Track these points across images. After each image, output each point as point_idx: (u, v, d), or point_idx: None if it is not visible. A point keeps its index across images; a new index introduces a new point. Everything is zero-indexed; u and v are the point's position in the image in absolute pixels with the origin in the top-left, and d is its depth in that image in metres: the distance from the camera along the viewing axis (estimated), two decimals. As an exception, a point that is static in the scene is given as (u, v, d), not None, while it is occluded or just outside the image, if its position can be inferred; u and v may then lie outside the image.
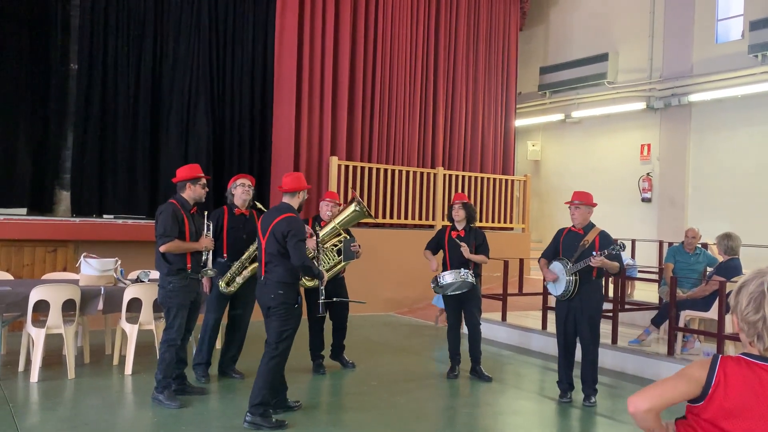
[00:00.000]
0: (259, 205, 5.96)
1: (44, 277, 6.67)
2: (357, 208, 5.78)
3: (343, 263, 6.01)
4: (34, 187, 8.83)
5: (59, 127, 9.02)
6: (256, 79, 10.28)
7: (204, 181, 5.24)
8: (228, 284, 5.62)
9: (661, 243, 10.59)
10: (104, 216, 9.12)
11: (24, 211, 8.60)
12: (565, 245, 5.50)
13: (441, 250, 6.17)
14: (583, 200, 5.48)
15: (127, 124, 9.37)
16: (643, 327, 7.95)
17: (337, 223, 5.78)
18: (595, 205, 5.54)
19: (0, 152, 8.53)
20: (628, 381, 6.37)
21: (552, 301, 8.36)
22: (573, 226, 5.53)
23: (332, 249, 5.87)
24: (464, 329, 6.26)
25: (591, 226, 5.48)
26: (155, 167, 9.65)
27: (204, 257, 5.24)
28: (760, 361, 1.59)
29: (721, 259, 6.78)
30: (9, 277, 6.59)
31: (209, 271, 5.28)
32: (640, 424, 1.71)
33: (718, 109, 10.96)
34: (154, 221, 5.14)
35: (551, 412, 5.39)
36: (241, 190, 5.76)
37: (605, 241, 5.34)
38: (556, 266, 5.49)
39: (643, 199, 12.06)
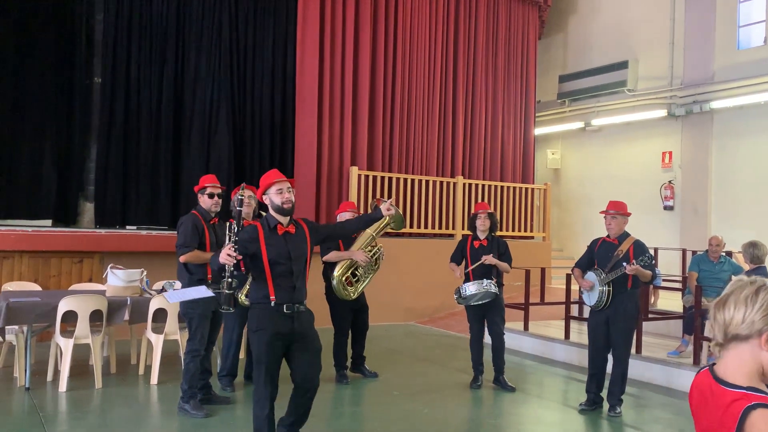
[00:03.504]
0: (264, 214, 6.00)
1: (71, 288, 6.78)
2: (391, 212, 5.80)
3: (374, 273, 6.08)
4: (58, 199, 9.01)
5: (83, 139, 9.20)
6: (276, 90, 10.42)
7: (210, 191, 5.22)
8: (247, 296, 5.66)
9: (684, 251, 10.49)
10: (127, 227, 9.26)
11: (49, 222, 8.77)
12: (600, 255, 5.45)
13: (464, 260, 6.16)
14: (619, 210, 5.42)
15: (150, 136, 9.54)
16: (667, 335, 7.89)
17: (375, 232, 5.81)
18: (629, 214, 5.47)
19: (26, 165, 8.72)
20: (653, 391, 6.31)
21: (575, 311, 8.34)
22: (607, 236, 5.48)
23: (371, 258, 5.94)
24: (487, 339, 6.24)
25: (626, 235, 5.42)
26: (177, 178, 9.80)
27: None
28: (712, 373, 1.58)
29: (746, 267, 6.71)
30: (37, 287, 6.71)
31: (246, 299, 5.36)
32: None
33: (741, 116, 10.85)
34: (175, 232, 5.20)
35: (575, 422, 5.35)
36: (246, 202, 5.73)
37: (639, 250, 5.28)
38: (591, 276, 5.45)
39: (666, 207, 11.95)
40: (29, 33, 8.74)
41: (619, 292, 5.29)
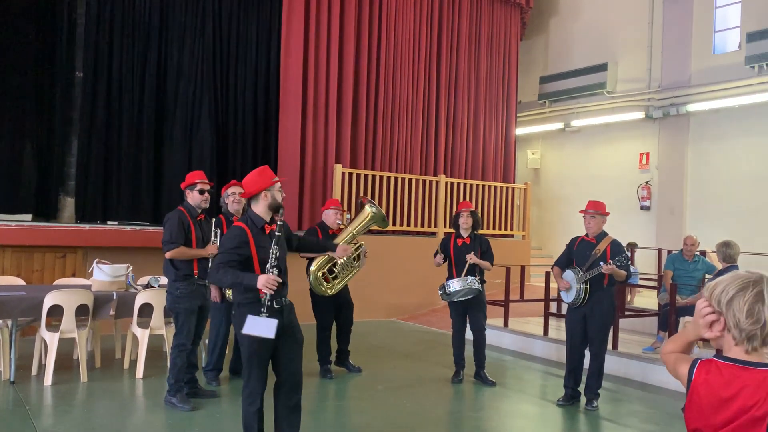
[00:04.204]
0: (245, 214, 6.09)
1: (56, 282, 6.77)
2: (374, 211, 5.92)
3: (357, 269, 6.16)
4: (38, 194, 8.94)
5: (64, 134, 9.13)
6: (259, 87, 10.45)
7: (200, 187, 5.26)
8: (234, 291, 5.72)
9: (660, 250, 10.74)
10: (108, 222, 9.23)
11: (29, 217, 8.71)
12: (578, 254, 5.60)
13: (447, 258, 6.28)
14: (598, 210, 5.57)
15: (132, 132, 9.51)
16: (643, 333, 8.10)
17: (355, 230, 5.91)
18: (608, 214, 5.63)
19: (6, 159, 8.64)
20: (630, 386, 6.49)
21: (554, 308, 8.51)
22: (586, 234, 5.63)
23: (350, 257, 6.00)
24: (468, 335, 6.37)
25: (603, 234, 5.57)
26: (159, 174, 9.79)
27: (211, 264, 5.34)
28: (729, 361, 1.69)
29: (720, 266, 6.92)
30: (22, 282, 6.70)
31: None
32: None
33: (716, 119, 11.13)
34: (158, 227, 5.24)
35: (554, 415, 5.51)
36: (231, 200, 5.77)
37: (617, 249, 5.43)
38: (569, 275, 5.60)
39: (642, 207, 12.22)
40: (10, 27, 8.66)
41: (596, 290, 5.45)
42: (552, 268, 5.92)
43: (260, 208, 3.87)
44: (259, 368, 3.83)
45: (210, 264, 5.26)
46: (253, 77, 10.41)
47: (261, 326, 3.64)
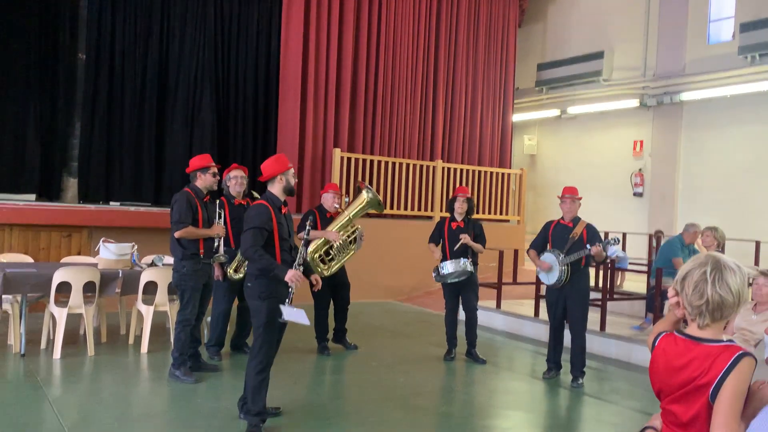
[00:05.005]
0: (255, 195, 6.36)
1: (64, 260, 6.99)
2: (370, 196, 6.15)
3: (353, 252, 6.39)
4: (42, 175, 9.10)
5: (67, 115, 9.27)
6: (260, 69, 10.60)
7: (214, 170, 5.56)
8: (236, 270, 5.95)
9: (650, 236, 10.98)
10: (111, 203, 9.43)
11: (33, 197, 8.91)
12: (555, 237, 5.90)
13: (441, 240, 6.51)
14: (574, 195, 5.91)
15: (134, 113, 9.68)
16: (631, 316, 8.37)
17: (351, 214, 6.13)
18: (581, 198, 5.99)
19: (10, 140, 8.81)
20: (615, 365, 6.75)
21: (544, 290, 8.75)
22: (561, 218, 5.91)
23: (345, 240, 6.23)
24: (461, 315, 6.62)
25: (578, 219, 5.91)
26: (161, 155, 9.97)
27: (216, 243, 5.59)
28: (685, 336, 1.92)
29: (705, 251, 7.14)
30: (30, 259, 6.92)
31: (221, 257, 5.61)
32: None
33: (709, 108, 11.32)
34: (160, 208, 5.46)
35: (541, 391, 5.77)
36: (234, 182, 6.07)
37: (592, 232, 5.78)
38: (548, 257, 5.86)
39: (635, 194, 12.44)
40: (13, 9, 8.78)
41: (576, 271, 5.77)
42: (528, 252, 6.19)
43: (276, 189, 4.32)
44: (275, 335, 4.20)
45: (216, 243, 5.52)
46: (254, 61, 10.56)
47: (295, 314, 4.10)
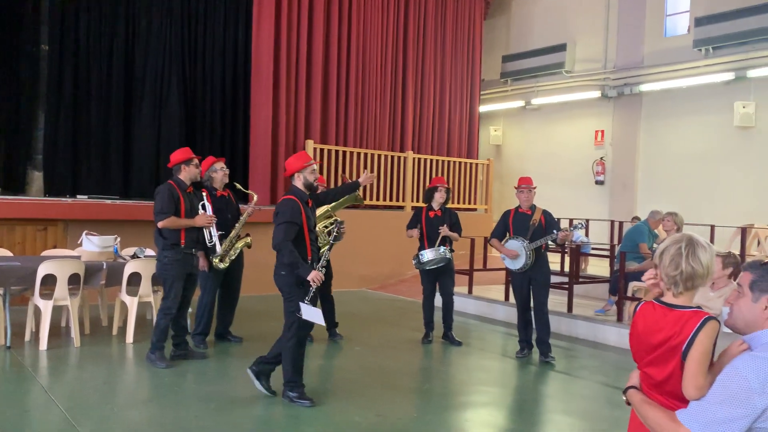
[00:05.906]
0: (238, 186, 6.53)
1: (45, 253, 7.02)
2: (358, 195, 6.35)
3: (331, 244, 6.57)
4: (6, 168, 8.99)
5: (31, 108, 9.15)
6: (228, 60, 10.63)
7: (196, 161, 5.72)
8: (221, 260, 6.11)
9: (612, 223, 11.45)
10: (78, 196, 9.37)
11: (-3, 191, 8.81)
12: (516, 225, 6.28)
13: (419, 228, 6.76)
14: (530, 185, 6.32)
15: (100, 105, 9.60)
16: (596, 298, 8.78)
17: (330, 207, 6.33)
18: (536, 187, 6.43)
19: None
20: (582, 345, 7.14)
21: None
22: (519, 207, 6.27)
23: (323, 231, 6.41)
24: (437, 300, 6.91)
25: (534, 206, 6.31)
26: (128, 148, 9.93)
27: (209, 237, 5.79)
28: (662, 303, 2.21)
29: (665, 236, 7.57)
30: (9, 253, 6.93)
31: (220, 260, 5.90)
32: None
33: (666, 99, 11.82)
34: (135, 201, 5.56)
35: (513, 369, 6.11)
36: (222, 174, 6.24)
37: (550, 218, 6.24)
38: (514, 244, 6.21)
39: (597, 182, 12.91)
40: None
41: (539, 256, 6.17)
42: (490, 241, 6.52)
43: (299, 185, 4.67)
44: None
45: (209, 237, 5.75)
46: (221, 52, 10.59)
47: (312, 313, 4.43)
